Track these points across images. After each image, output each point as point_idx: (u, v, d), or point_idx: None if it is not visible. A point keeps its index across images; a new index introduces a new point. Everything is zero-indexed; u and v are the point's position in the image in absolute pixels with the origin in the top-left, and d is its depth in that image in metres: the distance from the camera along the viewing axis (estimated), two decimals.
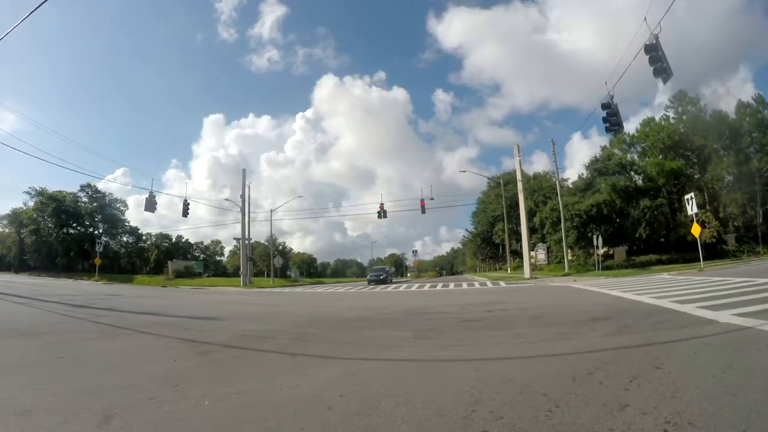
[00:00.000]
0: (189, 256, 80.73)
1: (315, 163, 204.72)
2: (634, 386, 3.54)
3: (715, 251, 35.01)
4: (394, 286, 29.55)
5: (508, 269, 47.91)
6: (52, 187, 63.03)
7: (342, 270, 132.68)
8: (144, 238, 77.52)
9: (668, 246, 39.70)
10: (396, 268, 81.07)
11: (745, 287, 11.20)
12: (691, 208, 24.21)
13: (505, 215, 48.13)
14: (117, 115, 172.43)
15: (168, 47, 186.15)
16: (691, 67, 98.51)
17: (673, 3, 12.52)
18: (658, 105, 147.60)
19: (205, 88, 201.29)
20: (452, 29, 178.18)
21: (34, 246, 59.89)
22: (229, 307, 14.98)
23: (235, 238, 63.37)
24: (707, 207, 42.57)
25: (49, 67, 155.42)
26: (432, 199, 38.62)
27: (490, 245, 72.85)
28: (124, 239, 73.62)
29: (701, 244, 24.97)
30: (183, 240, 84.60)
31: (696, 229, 24.38)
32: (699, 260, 24.73)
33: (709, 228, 37.33)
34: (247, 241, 41.22)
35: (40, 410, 3.42)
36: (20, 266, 60.05)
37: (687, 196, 25.06)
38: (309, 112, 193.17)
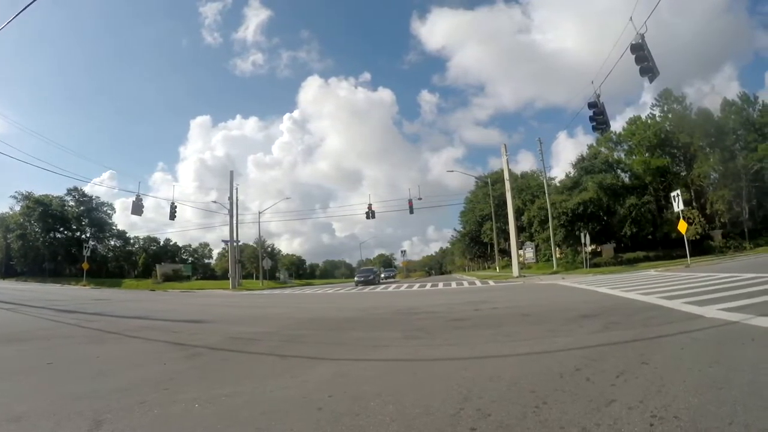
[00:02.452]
0: (177, 259, 79.88)
1: (302, 165, 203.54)
2: (621, 381, 3.59)
3: (701, 247, 35.56)
4: (383, 286, 29.56)
5: (497, 268, 48.16)
6: (39, 191, 61.83)
7: (331, 271, 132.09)
8: (131, 241, 76.68)
9: (655, 243, 40.18)
10: (384, 267, 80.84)
11: (731, 282, 11.38)
12: (678, 205, 24.53)
13: (493, 214, 48.38)
14: (103, 118, 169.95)
15: (153, 51, 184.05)
16: (675, 66, 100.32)
17: (659, 3, 12.71)
18: (643, 104, 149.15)
19: (191, 91, 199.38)
20: (436, 30, 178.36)
21: (21, 251, 58.88)
22: (218, 309, 14.87)
23: (223, 241, 62.69)
24: (694, 204, 43.22)
25: (34, 69, 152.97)
26: (420, 199, 38.89)
27: (479, 244, 73.08)
28: (112, 243, 72.76)
29: (688, 240, 25.36)
30: (171, 243, 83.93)
31: (682, 226, 24.74)
32: (686, 256, 25.09)
33: (695, 225, 37.84)
34: (235, 244, 40.95)
35: (32, 415, 3.40)
36: (7, 272, 59.08)
37: (673, 194, 25.41)
38: (296, 113, 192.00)
